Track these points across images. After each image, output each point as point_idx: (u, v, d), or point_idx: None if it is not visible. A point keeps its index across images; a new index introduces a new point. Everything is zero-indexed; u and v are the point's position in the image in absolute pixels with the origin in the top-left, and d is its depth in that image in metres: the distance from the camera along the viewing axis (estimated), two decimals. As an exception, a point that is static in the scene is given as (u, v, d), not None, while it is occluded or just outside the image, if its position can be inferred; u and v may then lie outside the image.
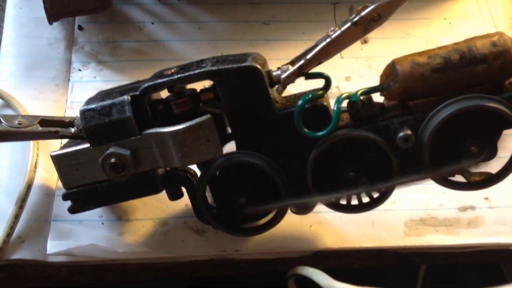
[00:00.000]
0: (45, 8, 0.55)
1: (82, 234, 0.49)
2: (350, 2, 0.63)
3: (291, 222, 0.49)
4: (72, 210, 0.46)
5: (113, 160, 0.42)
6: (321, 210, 0.51)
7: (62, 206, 0.50)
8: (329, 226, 0.51)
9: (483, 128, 0.41)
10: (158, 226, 0.50)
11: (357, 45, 0.61)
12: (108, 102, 0.42)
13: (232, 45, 0.61)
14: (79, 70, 0.58)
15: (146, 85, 0.42)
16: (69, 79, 0.57)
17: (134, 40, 0.60)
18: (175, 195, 0.47)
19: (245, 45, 0.61)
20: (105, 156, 0.42)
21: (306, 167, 0.43)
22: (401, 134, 0.41)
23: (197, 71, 0.41)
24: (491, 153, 0.42)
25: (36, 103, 0.55)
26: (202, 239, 0.50)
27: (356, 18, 0.40)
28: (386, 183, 0.43)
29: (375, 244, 0.50)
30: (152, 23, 0.62)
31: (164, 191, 0.46)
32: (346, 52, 0.59)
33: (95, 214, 0.50)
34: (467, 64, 0.39)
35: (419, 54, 0.40)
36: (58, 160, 0.44)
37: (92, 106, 0.42)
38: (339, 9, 0.64)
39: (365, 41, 0.62)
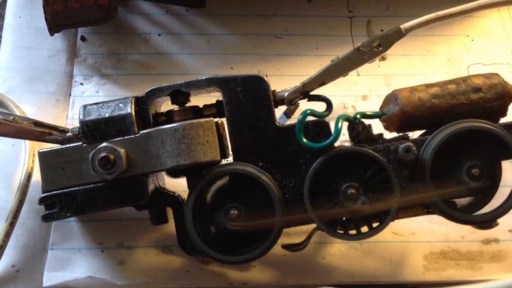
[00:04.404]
0: (46, 19, 0.52)
1: (81, 264, 0.46)
2: (367, 16, 0.61)
3: (303, 254, 0.46)
4: (45, 218, 0.42)
5: (104, 154, 0.40)
6: (335, 241, 0.48)
7: (61, 233, 0.47)
8: (344, 258, 0.48)
9: (484, 152, 0.42)
10: (161, 254, 0.47)
11: (374, 62, 0.58)
12: (112, 101, 0.43)
13: (242, 59, 0.58)
14: (81, 84, 0.55)
15: (151, 88, 0.43)
16: (70, 94, 0.54)
17: (139, 53, 0.57)
18: (159, 219, 0.44)
19: (256, 60, 0.58)
20: (97, 150, 0.41)
21: (304, 182, 0.42)
22: (403, 145, 0.42)
23: (204, 77, 0.43)
24: (493, 177, 0.42)
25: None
26: (208, 270, 0.47)
27: (359, 45, 0.43)
28: (386, 202, 0.41)
29: (392, 279, 0.47)
30: (159, 35, 0.59)
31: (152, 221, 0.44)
32: (363, 69, 0.57)
33: (95, 241, 0.47)
34: (462, 92, 0.42)
35: (418, 85, 0.44)
36: (45, 158, 0.42)
37: (95, 103, 0.43)
38: (356, 23, 0.61)
39: (383, 58, 0.59)
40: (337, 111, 0.55)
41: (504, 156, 0.42)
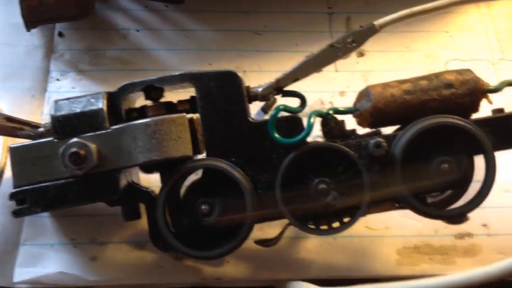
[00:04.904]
0: (22, 15, 0.51)
1: (52, 260, 0.46)
2: (347, 13, 0.61)
3: (276, 249, 0.46)
4: (16, 213, 0.42)
5: (75, 149, 0.40)
6: (309, 236, 0.48)
7: (33, 229, 0.47)
8: (318, 253, 0.48)
9: (455, 148, 0.42)
10: (134, 250, 0.47)
11: (352, 58, 0.58)
12: (84, 96, 0.42)
13: (221, 55, 0.58)
14: (57, 79, 0.55)
15: (124, 83, 0.43)
16: (46, 90, 0.54)
17: (117, 48, 0.57)
18: (131, 214, 0.44)
19: (235, 56, 0.58)
20: (68, 145, 0.40)
21: (276, 178, 0.42)
22: (374, 141, 0.42)
23: (177, 73, 0.43)
24: (464, 172, 0.42)
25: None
26: (182, 266, 0.47)
27: (333, 41, 0.43)
28: (356, 197, 0.41)
29: (365, 273, 0.47)
30: (137, 31, 0.59)
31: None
32: (341, 65, 0.57)
33: (67, 237, 0.47)
34: (434, 88, 0.42)
35: (391, 81, 0.43)
36: (16, 153, 0.42)
37: (67, 98, 0.42)
38: (335, 19, 0.61)
39: (361, 54, 0.59)
40: (314, 106, 0.55)
41: (475, 151, 0.42)
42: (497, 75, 0.58)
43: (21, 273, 0.46)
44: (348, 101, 0.55)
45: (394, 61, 0.59)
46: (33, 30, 0.55)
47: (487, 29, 0.61)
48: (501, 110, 0.44)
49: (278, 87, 0.44)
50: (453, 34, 0.60)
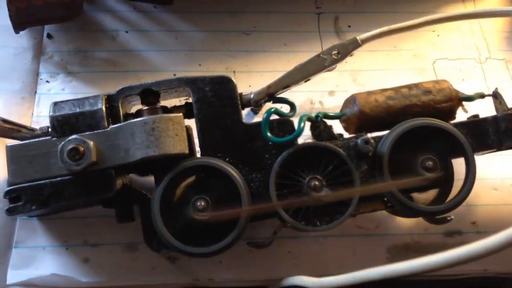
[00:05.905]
0: (10, 17, 0.51)
1: (45, 262, 0.46)
2: (335, 12, 0.62)
3: (268, 249, 0.46)
4: (10, 211, 0.41)
5: (73, 145, 0.40)
6: (300, 235, 0.49)
7: (25, 231, 0.47)
8: (308, 252, 0.49)
9: (436, 148, 0.44)
10: (127, 251, 0.47)
11: (341, 58, 0.59)
12: (83, 98, 0.43)
13: (210, 56, 0.58)
14: (47, 81, 0.55)
15: (122, 86, 0.44)
16: (36, 92, 0.54)
17: (106, 50, 0.57)
18: (125, 217, 0.44)
19: (224, 56, 0.58)
20: (67, 141, 0.41)
21: (269, 176, 0.43)
22: (362, 138, 0.44)
23: (174, 77, 0.44)
24: (446, 171, 0.44)
25: None
26: (174, 267, 0.47)
27: (320, 52, 0.47)
28: (347, 191, 0.43)
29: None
30: (126, 32, 0.59)
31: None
32: (330, 65, 0.57)
33: (59, 239, 0.47)
34: (414, 95, 0.45)
35: (374, 90, 0.46)
36: (13, 151, 0.42)
37: (66, 100, 0.43)
38: (324, 19, 0.62)
39: (350, 54, 0.59)
40: (304, 106, 0.56)
41: (456, 153, 0.44)
42: (484, 74, 0.59)
43: (14, 275, 0.45)
44: (337, 101, 0.56)
45: (382, 60, 0.59)
46: (22, 32, 0.55)
47: (473, 29, 0.62)
48: (476, 116, 0.47)
49: (269, 93, 0.46)
50: (441, 34, 0.61)
